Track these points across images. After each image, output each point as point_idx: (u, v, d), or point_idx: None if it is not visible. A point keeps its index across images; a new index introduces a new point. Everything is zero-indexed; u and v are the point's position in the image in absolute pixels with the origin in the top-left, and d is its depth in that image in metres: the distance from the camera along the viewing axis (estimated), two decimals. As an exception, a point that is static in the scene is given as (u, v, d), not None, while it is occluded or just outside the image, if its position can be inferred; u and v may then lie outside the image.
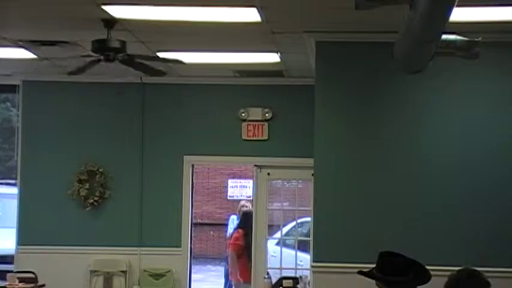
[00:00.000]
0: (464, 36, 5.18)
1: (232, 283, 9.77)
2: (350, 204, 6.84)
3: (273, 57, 7.89)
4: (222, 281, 12.98)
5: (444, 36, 4.86)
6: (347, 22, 6.39)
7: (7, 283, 7.60)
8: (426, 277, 4.07)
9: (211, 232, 19.14)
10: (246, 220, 9.67)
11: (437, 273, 4.27)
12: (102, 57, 6.45)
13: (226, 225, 13.72)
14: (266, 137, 9.26)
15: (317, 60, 6.99)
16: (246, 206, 10.79)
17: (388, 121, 6.88)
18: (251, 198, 11.64)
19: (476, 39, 5.18)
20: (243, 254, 9.37)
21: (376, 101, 6.89)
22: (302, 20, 6.41)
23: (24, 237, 9.28)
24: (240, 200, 12.76)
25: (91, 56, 6.53)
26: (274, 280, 7.98)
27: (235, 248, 9.48)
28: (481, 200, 6.70)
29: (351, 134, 6.90)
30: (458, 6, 3.99)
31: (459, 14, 5.02)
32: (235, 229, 10.03)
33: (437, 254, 6.44)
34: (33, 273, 8.07)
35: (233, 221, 11.73)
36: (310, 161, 7.16)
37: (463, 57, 5.34)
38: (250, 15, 6.07)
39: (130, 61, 6.62)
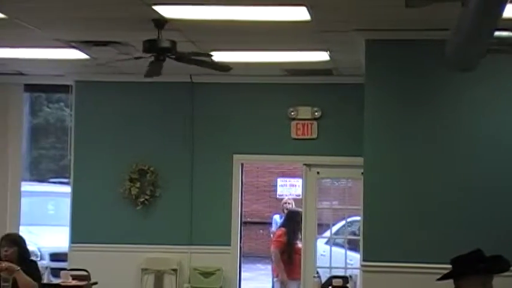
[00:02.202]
0: (518, 33, 5.10)
1: (275, 281, 9.75)
2: (400, 203, 6.78)
3: (322, 56, 7.88)
4: (271, 279, 12.98)
5: (497, 33, 4.79)
6: (397, 20, 6.35)
7: (61, 280, 7.72)
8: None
9: (261, 231, 19.16)
10: (289, 219, 9.71)
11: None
12: (152, 57, 6.52)
13: (270, 223, 13.75)
14: (315, 136, 9.23)
15: (367, 59, 6.95)
16: (289, 203, 10.79)
17: (438, 120, 6.80)
18: (300, 196, 11.64)
19: (530, 36, 5.09)
20: (285, 252, 9.38)
21: (427, 100, 6.82)
22: (351, 18, 6.39)
23: (77, 235, 9.42)
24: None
25: (142, 57, 6.61)
26: (323, 279, 7.96)
27: (277, 245, 9.50)
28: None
29: (401, 133, 6.84)
30: (511, 2, 3.93)
31: (512, 11, 4.95)
32: (278, 227, 10.09)
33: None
34: (86, 270, 8.19)
35: (275, 220, 11.74)
36: (359, 160, 7.13)
37: (517, 55, 5.25)
38: (299, 14, 6.06)
39: (187, 59, 6.66)
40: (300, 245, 9.30)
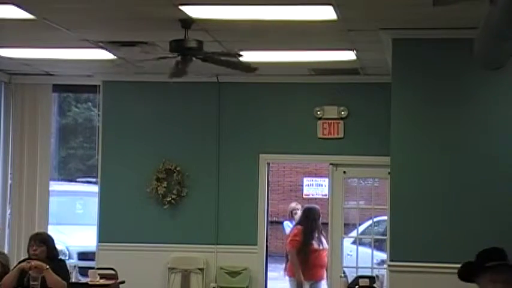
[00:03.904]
0: (547, 31, 5.04)
1: (290, 280, 9.21)
2: (427, 203, 6.75)
3: (348, 55, 7.86)
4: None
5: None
6: (424, 19, 6.32)
7: (89, 279, 7.78)
8: None
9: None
10: (307, 216, 9.19)
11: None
12: (179, 57, 6.55)
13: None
14: (342, 135, 9.21)
15: (393, 58, 6.93)
16: (297, 209, 10.69)
17: (466, 120, 6.75)
18: (326, 196, 11.61)
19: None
20: (301, 252, 8.94)
21: (454, 99, 6.78)
22: (378, 17, 6.37)
23: (104, 235, 9.47)
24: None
25: (169, 56, 6.64)
26: (350, 279, 7.94)
27: (294, 244, 9.01)
28: None
29: (428, 133, 6.81)
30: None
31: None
32: (295, 225, 9.64)
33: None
34: (113, 269, 8.24)
35: (287, 225, 11.55)
36: (386, 159, 7.10)
37: (545, 53, 5.20)
38: (326, 13, 6.06)
39: (212, 59, 6.68)
40: (316, 245, 8.98)
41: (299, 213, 10.57)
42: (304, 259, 8.95)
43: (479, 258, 3.96)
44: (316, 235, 9.04)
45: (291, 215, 11.40)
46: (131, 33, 7.04)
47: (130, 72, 9.11)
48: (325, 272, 9.08)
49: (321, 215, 9.30)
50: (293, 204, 11.55)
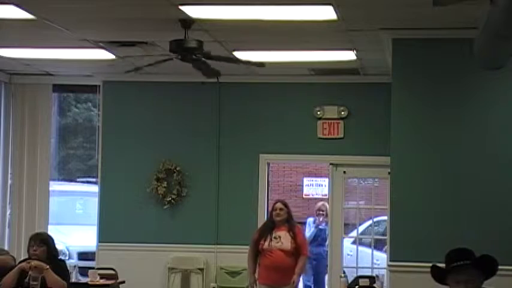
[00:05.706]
0: (547, 31, 5.05)
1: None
2: (426, 202, 6.75)
3: (348, 55, 7.86)
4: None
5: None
6: (424, 19, 6.32)
7: (89, 279, 7.79)
8: (493, 266, 3.97)
9: (287, 230, 19.09)
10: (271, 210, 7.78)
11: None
12: (179, 56, 6.55)
13: (304, 223, 13.31)
14: (342, 135, 9.22)
15: (393, 58, 6.93)
16: (323, 210, 10.61)
17: (467, 120, 6.75)
18: (326, 196, 11.59)
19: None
20: (255, 249, 7.61)
21: (455, 99, 6.78)
22: (378, 17, 6.37)
23: (104, 235, 9.48)
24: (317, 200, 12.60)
25: (169, 56, 6.64)
26: (350, 279, 7.95)
27: (252, 240, 7.71)
28: None
29: (428, 133, 6.81)
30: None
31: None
32: None
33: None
34: (113, 269, 8.24)
35: (309, 224, 11.46)
36: (386, 159, 7.11)
37: (545, 53, 5.20)
38: (326, 13, 6.06)
39: (196, 60, 6.65)
40: (264, 244, 7.47)
41: (323, 215, 10.48)
42: (257, 259, 7.62)
43: (446, 260, 4.01)
44: (275, 233, 7.51)
45: (316, 214, 11.21)
46: (131, 33, 7.04)
47: (130, 72, 9.10)
48: (286, 276, 7.41)
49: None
50: (319, 204, 11.30)
